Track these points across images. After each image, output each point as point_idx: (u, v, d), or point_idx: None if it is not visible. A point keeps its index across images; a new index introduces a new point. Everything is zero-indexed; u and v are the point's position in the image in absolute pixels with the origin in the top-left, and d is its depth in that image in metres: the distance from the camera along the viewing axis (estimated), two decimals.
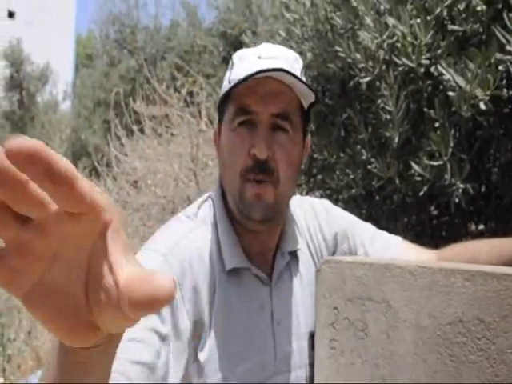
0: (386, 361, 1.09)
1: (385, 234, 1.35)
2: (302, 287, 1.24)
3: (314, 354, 1.20)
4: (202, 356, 1.07)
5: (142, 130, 4.73)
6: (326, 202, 1.37)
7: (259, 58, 1.09)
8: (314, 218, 1.31)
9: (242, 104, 1.08)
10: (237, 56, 1.15)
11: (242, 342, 1.12)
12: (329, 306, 1.17)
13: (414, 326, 1.05)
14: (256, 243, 1.17)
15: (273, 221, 1.14)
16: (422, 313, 1.03)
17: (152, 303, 0.40)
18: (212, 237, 1.14)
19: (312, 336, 1.22)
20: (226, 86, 1.12)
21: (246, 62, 1.10)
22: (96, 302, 0.44)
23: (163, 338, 0.98)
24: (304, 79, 1.15)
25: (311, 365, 1.21)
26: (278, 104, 1.07)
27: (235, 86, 1.05)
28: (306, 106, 1.14)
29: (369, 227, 1.36)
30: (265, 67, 1.04)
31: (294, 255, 1.24)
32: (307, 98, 1.12)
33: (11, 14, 21.20)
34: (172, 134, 4.54)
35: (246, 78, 1.03)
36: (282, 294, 1.20)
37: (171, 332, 1.00)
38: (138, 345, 0.93)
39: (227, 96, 1.11)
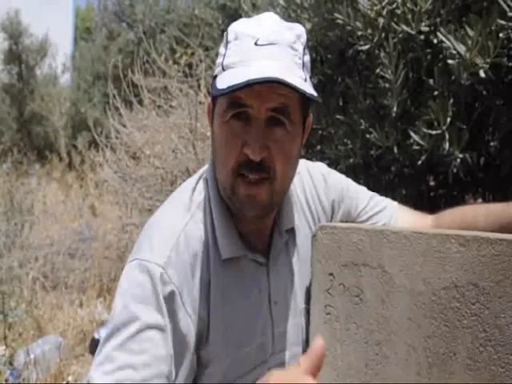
0: (381, 326, 1.09)
1: (381, 198, 1.34)
2: (300, 263, 1.22)
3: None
4: (203, 349, 1.08)
5: (140, 102, 4.71)
6: (323, 168, 1.33)
7: (256, 44, 1.01)
8: (313, 188, 1.28)
9: (236, 97, 1.01)
10: (232, 33, 1.06)
11: (241, 329, 1.12)
12: (324, 272, 1.17)
13: (408, 291, 1.05)
14: (251, 224, 1.14)
15: (268, 215, 1.13)
16: (416, 278, 1.04)
17: None
18: (207, 225, 1.11)
19: (309, 311, 1.22)
20: (218, 66, 1.07)
21: (242, 48, 1.03)
22: None
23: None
24: (306, 58, 1.08)
25: (307, 340, 1.21)
26: (275, 98, 1.01)
27: (230, 91, 0.98)
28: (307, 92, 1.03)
29: (365, 191, 1.34)
30: (259, 74, 0.96)
31: (291, 231, 1.22)
32: (309, 84, 1.05)
33: None
34: (171, 106, 4.51)
35: (237, 88, 0.96)
36: (278, 273, 1.18)
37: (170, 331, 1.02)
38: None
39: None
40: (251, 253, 1.14)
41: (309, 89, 1.02)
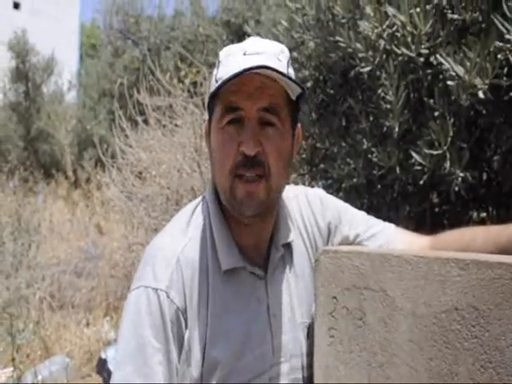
0: (384, 348, 1.10)
1: (378, 221, 1.36)
2: (296, 278, 1.26)
3: (311, 343, 1.22)
4: (205, 360, 1.12)
5: (146, 121, 4.74)
6: (320, 192, 1.38)
7: (244, 54, 1.11)
8: (309, 211, 1.32)
9: (229, 101, 1.11)
10: (223, 53, 1.17)
11: (241, 339, 1.15)
12: (328, 295, 1.19)
13: (410, 314, 1.06)
14: (250, 236, 1.20)
15: (265, 214, 1.17)
16: (418, 301, 1.05)
17: None
18: (206, 241, 1.17)
19: (309, 327, 1.23)
20: (213, 85, 1.15)
21: (232, 60, 1.12)
22: None
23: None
24: (291, 71, 1.17)
25: (309, 354, 1.22)
26: (264, 98, 1.10)
27: (222, 85, 1.08)
28: (293, 97, 1.15)
29: (361, 215, 1.36)
30: (249, 65, 1.06)
31: (287, 247, 1.26)
32: (294, 89, 1.13)
33: (16, 5, 21.17)
34: (176, 125, 4.54)
35: (230, 79, 1.06)
36: (276, 286, 1.22)
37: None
38: None
39: (215, 95, 1.13)
40: (250, 265, 1.18)
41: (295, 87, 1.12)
